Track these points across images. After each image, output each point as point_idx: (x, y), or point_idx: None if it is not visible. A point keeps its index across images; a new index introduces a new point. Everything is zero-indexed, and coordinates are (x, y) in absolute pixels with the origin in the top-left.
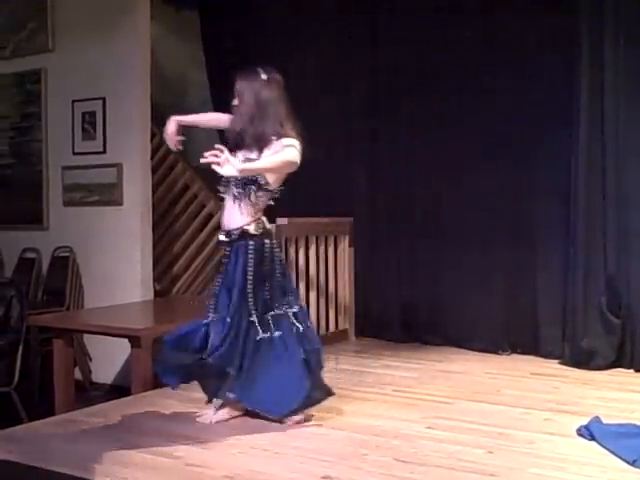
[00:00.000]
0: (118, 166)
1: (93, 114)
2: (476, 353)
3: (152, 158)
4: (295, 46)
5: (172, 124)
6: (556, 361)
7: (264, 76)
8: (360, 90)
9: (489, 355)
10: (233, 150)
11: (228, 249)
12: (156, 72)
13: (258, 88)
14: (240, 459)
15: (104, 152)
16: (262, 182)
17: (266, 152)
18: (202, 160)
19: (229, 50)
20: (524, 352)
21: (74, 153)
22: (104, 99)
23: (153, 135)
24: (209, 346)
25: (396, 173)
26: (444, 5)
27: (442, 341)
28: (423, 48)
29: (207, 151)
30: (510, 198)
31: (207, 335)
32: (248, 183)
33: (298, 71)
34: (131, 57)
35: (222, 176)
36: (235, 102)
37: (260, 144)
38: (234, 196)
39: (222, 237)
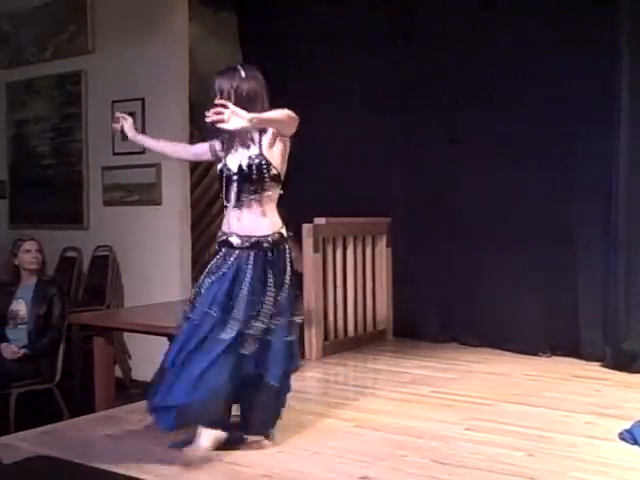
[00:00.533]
0: (157, 166)
1: (132, 114)
2: (515, 355)
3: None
4: (331, 45)
5: (128, 130)
6: (597, 363)
7: (243, 73)
8: (397, 88)
9: (528, 357)
10: (226, 150)
11: (236, 252)
12: (194, 73)
13: (237, 84)
14: (278, 458)
15: (143, 152)
16: (274, 172)
17: (264, 139)
18: (207, 119)
19: (266, 51)
20: (564, 354)
21: (114, 153)
22: (143, 100)
23: (191, 135)
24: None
25: (434, 172)
26: (478, 3)
27: (480, 342)
28: (458, 44)
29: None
30: (550, 198)
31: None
32: (260, 175)
33: (334, 70)
34: (169, 58)
35: (226, 174)
36: (216, 100)
37: (245, 137)
38: (244, 194)
39: (236, 241)
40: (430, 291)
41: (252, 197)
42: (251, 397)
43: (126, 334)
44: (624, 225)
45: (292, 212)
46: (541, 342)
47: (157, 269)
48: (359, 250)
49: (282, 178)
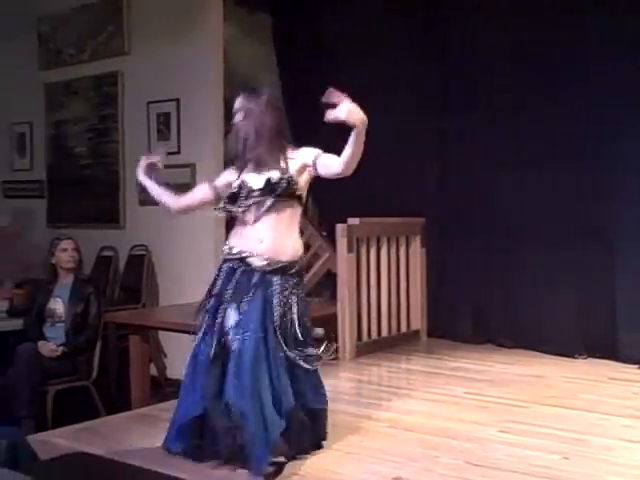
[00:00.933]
0: (192, 166)
1: (168, 115)
2: (551, 356)
3: (224, 158)
4: (366, 46)
5: (142, 174)
6: (635, 366)
7: (264, 95)
8: (430, 88)
9: (564, 359)
10: (240, 169)
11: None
12: (229, 73)
13: (260, 106)
14: (311, 458)
15: (178, 152)
16: (300, 193)
17: (291, 165)
18: (326, 98)
19: (301, 52)
20: (601, 356)
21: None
22: (178, 100)
23: (225, 135)
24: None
25: (468, 172)
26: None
27: (515, 343)
28: (499, 42)
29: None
30: (586, 197)
31: None
32: (288, 191)
33: (369, 70)
34: (204, 59)
35: (247, 189)
36: (236, 119)
37: (266, 160)
38: (268, 213)
39: (261, 263)
40: (465, 292)
41: (277, 215)
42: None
43: (161, 333)
44: None
45: (326, 212)
46: (577, 344)
47: (192, 268)
48: (393, 250)
49: (303, 206)
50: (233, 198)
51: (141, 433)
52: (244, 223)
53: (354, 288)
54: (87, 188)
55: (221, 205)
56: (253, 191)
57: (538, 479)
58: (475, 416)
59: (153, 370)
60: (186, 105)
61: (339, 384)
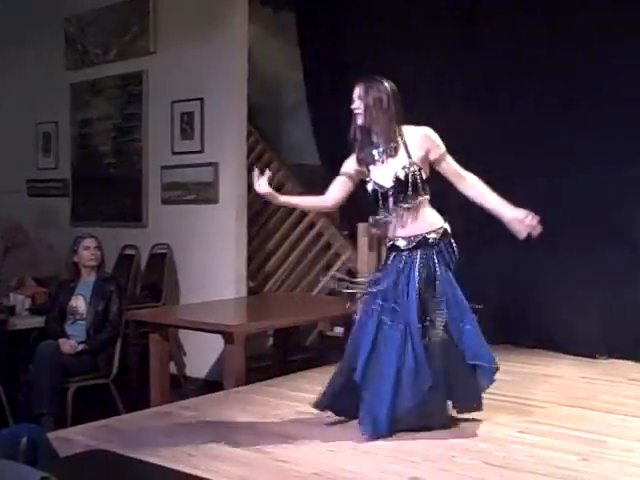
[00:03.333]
0: (215, 165)
1: (191, 114)
2: (571, 357)
3: (247, 157)
4: (392, 44)
5: (265, 191)
6: None
7: (387, 84)
8: (452, 85)
9: (585, 359)
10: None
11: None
12: (253, 72)
13: (381, 90)
14: (329, 457)
15: (202, 151)
16: (425, 176)
17: (410, 144)
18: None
19: (325, 51)
20: (622, 357)
21: (173, 152)
22: (202, 100)
23: (249, 134)
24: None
25: (488, 171)
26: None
27: (534, 343)
28: (538, 39)
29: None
30: (609, 197)
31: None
32: (415, 184)
33: (394, 70)
34: (229, 58)
35: (381, 191)
36: (354, 105)
37: (387, 138)
38: (402, 204)
39: (402, 243)
40: (484, 291)
41: (410, 204)
42: None
43: (181, 331)
44: None
45: (347, 211)
46: (599, 344)
47: (213, 267)
48: None
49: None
50: (374, 199)
51: (160, 431)
52: (386, 217)
53: None
54: (111, 187)
55: None
56: (386, 190)
57: None
58: (494, 416)
59: (173, 368)
60: (210, 104)
61: None
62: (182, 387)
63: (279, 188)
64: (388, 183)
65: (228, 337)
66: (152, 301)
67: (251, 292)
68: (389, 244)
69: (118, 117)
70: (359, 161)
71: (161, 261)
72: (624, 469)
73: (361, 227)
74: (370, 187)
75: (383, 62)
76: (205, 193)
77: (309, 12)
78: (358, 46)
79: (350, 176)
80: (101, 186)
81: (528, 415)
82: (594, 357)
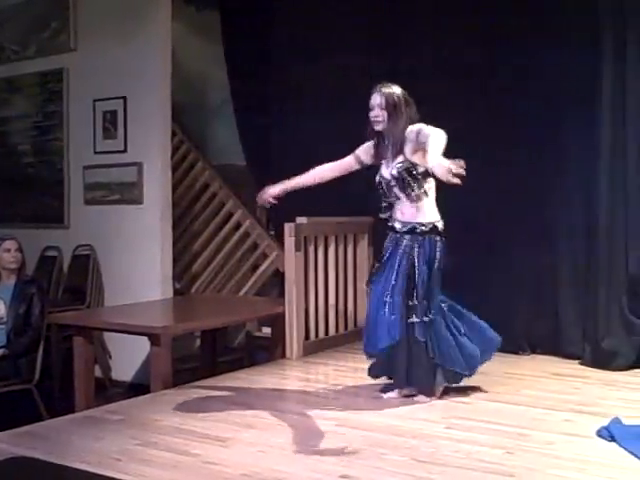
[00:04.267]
0: (138, 165)
1: (114, 113)
2: (495, 353)
3: (172, 157)
4: (317, 43)
5: (277, 190)
6: (577, 362)
7: (400, 91)
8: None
9: (509, 355)
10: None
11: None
12: (177, 71)
13: (396, 97)
14: (258, 457)
15: (125, 151)
16: (421, 170)
17: (406, 149)
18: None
19: (249, 50)
20: (544, 352)
21: (95, 152)
22: (125, 98)
23: (173, 134)
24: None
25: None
26: None
27: None
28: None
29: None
30: (529, 196)
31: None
32: (411, 175)
33: (317, 69)
34: (152, 56)
35: (385, 182)
36: (374, 113)
37: (397, 140)
38: (403, 194)
39: (398, 225)
40: None
41: (408, 195)
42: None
43: (106, 334)
44: (604, 226)
45: (274, 212)
46: (522, 341)
47: (138, 268)
48: (341, 249)
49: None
50: (380, 189)
51: (85, 436)
52: (391, 203)
53: (302, 287)
54: (30, 187)
55: None
56: (389, 181)
57: (482, 474)
58: (421, 413)
59: (98, 372)
60: (133, 103)
61: (286, 383)
62: (108, 390)
63: (205, 188)
64: (388, 177)
65: (154, 339)
66: (76, 303)
67: (177, 293)
68: (389, 225)
69: (38, 115)
70: (376, 156)
71: (84, 263)
72: (547, 461)
73: (287, 227)
74: (377, 179)
75: (308, 61)
76: (129, 193)
77: (233, 11)
78: (283, 45)
79: (358, 157)
80: (21, 186)
81: (455, 411)
82: (517, 353)
